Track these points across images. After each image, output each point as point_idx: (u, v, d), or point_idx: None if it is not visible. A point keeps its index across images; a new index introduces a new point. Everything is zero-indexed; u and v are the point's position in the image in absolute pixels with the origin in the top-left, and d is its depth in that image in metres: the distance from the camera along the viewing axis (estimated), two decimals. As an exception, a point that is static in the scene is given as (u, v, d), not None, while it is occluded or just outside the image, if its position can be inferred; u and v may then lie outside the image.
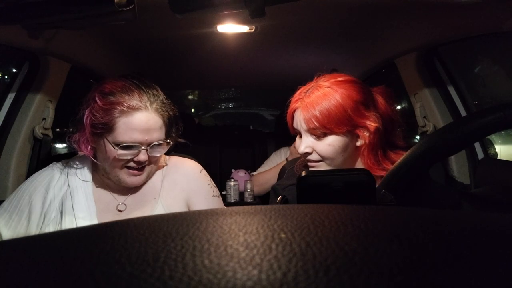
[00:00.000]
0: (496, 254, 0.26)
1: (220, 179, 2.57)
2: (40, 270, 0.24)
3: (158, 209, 1.10)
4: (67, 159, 1.18)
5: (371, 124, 0.97)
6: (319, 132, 0.97)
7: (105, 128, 0.99)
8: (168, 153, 1.25)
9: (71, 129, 1.07)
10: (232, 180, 2.25)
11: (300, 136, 1.03)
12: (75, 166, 1.13)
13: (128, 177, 1.05)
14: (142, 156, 1.01)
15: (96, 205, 1.08)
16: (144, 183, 1.13)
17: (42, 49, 1.41)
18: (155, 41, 1.75)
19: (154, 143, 1.02)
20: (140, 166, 1.04)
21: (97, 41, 1.66)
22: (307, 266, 0.22)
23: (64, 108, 1.63)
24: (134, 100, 0.99)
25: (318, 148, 0.99)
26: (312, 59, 2.13)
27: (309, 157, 1.01)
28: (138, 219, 0.33)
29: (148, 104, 1.01)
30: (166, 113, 1.05)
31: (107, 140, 1.00)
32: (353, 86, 0.98)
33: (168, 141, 1.06)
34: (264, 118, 6.79)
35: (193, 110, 7.69)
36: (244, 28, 1.55)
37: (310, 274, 0.21)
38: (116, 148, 0.99)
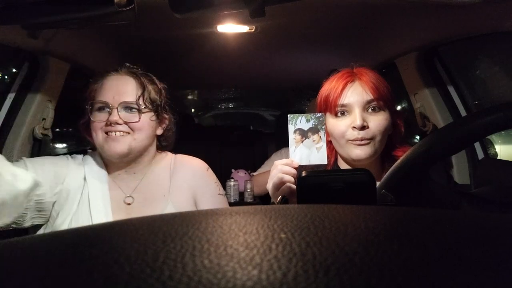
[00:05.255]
0: (496, 254, 0.26)
1: (220, 179, 2.56)
2: (39, 270, 0.24)
3: (169, 208, 1.11)
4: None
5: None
6: (376, 105, 0.99)
7: (90, 98, 1.08)
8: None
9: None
10: (232, 180, 2.25)
11: (337, 116, 1.02)
12: (90, 159, 1.15)
13: (106, 143, 1.05)
14: (113, 117, 1.04)
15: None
16: (145, 173, 1.14)
17: (42, 49, 1.41)
18: (155, 41, 1.75)
19: (123, 102, 1.05)
20: (116, 129, 1.05)
21: (97, 41, 1.66)
22: (307, 266, 0.22)
23: (64, 108, 1.63)
24: (112, 68, 1.12)
25: (373, 122, 0.98)
26: (312, 59, 2.13)
27: (363, 134, 0.98)
28: (137, 219, 0.33)
29: (121, 69, 1.12)
30: (142, 81, 1.11)
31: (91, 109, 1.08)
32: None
33: (140, 106, 1.07)
34: (264, 118, 6.79)
35: (193, 110, 7.69)
36: (244, 28, 1.55)
37: (310, 274, 0.21)
38: (92, 111, 1.06)
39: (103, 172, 1.12)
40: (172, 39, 1.69)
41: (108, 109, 1.05)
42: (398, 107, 2.14)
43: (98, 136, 1.06)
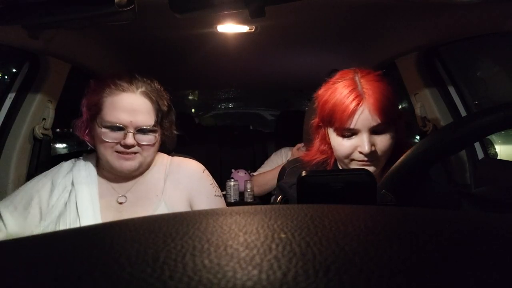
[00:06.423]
0: (496, 254, 0.26)
1: (220, 179, 2.57)
2: (39, 270, 0.24)
3: (161, 208, 1.10)
4: (71, 158, 1.19)
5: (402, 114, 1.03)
6: (383, 127, 0.94)
7: (96, 109, 1.05)
8: (168, 154, 1.26)
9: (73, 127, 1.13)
10: (232, 180, 2.25)
11: (344, 136, 0.97)
12: (80, 163, 1.15)
13: (117, 161, 1.05)
14: (129, 140, 1.03)
15: (99, 202, 1.09)
16: (142, 174, 1.14)
17: (42, 49, 1.41)
18: (155, 41, 1.75)
19: (140, 127, 1.04)
20: (129, 151, 1.04)
21: (97, 41, 1.66)
22: (307, 266, 0.22)
23: (64, 108, 1.63)
24: (123, 82, 1.05)
25: (380, 143, 0.95)
26: (312, 59, 2.13)
27: (369, 157, 0.95)
28: (138, 219, 0.33)
29: (135, 88, 1.06)
30: (156, 100, 1.08)
31: (97, 122, 1.05)
32: (387, 81, 1.00)
33: (156, 128, 1.07)
34: (264, 118, 6.80)
35: (193, 110, 7.69)
36: (244, 28, 1.55)
37: (310, 274, 0.21)
38: (102, 128, 1.03)
39: (92, 175, 1.12)
40: (172, 39, 1.69)
41: (124, 131, 1.03)
42: (398, 107, 2.13)
43: (107, 153, 1.05)
